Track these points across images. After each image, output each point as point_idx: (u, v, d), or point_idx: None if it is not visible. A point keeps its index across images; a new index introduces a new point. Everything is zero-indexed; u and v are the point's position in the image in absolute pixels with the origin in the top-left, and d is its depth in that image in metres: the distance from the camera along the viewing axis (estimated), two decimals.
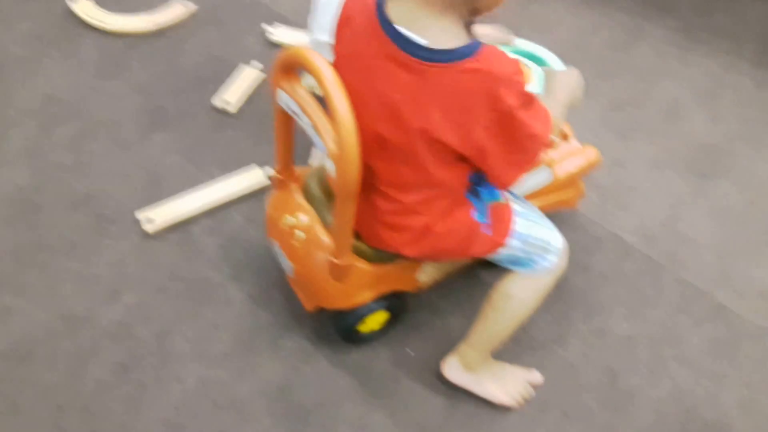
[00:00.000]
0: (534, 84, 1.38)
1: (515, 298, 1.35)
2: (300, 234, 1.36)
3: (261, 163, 1.83)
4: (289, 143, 1.35)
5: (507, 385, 1.45)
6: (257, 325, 1.57)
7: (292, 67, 1.18)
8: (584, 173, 1.58)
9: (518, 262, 1.33)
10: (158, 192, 1.78)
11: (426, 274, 1.47)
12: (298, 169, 1.42)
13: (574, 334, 1.58)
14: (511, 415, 1.44)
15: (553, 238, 1.34)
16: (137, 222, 1.71)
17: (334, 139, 1.12)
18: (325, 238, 1.33)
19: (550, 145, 1.16)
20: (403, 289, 1.47)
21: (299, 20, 2.11)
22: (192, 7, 2.19)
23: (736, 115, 2.07)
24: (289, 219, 1.38)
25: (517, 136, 1.09)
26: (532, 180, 1.45)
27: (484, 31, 1.35)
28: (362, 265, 1.35)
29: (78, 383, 1.46)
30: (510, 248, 1.30)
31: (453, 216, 1.23)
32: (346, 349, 1.53)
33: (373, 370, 1.51)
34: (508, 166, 1.14)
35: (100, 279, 1.62)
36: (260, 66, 2.06)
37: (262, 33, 2.14)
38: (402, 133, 1.10)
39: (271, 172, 1.77)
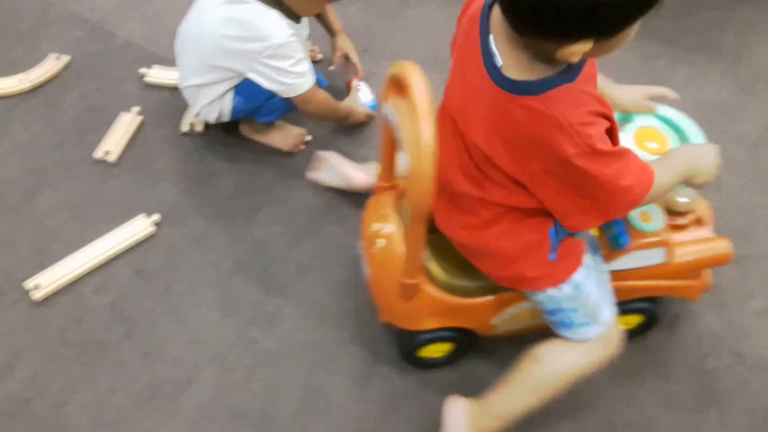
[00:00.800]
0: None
1: (544, 364, 1.21)
2: (381, 243, 1.30)
3: (146, 210, 1.70)
4: (392, 152, 1.29)
5: None
6: (153, 384, 1.46)
7: (398, 80, 1.09)
8: (707, 265, 1.38)
9: (561, 317, 1.20)
10: (45, 256, 1.65)
11: (503, 322, 1.34)
12: (401, 181, 1.35)
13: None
14: None
15: (607, 310, 1.19)
16: (26, 290, 1.56)
17: (412, 161, 1.03)
18: (401, 253, 1.24)
19: (636, 200, 1.04)
20: (473, 329, 1.36)
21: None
22: (65, 59, 2.03)
23: None
24: (375, 225, 1.33)
25: (582, 182, 0.99)
26: (640, 256, 1.29)
27: (624, 91, 1.27)
28: (433, 291, 1.27)
29: None
30: (561, 292, 1.17)
31: (528, 222, 1.12)
32: (244, 405, 1.43)
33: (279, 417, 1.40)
34: (575, 208, 1.03)
35: None
36: (138, 110, 1.90)
37: (140, 77, 1.99)
38: (466, 134, 1.04)
39: (157, 218, 1.66)
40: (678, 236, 1.32)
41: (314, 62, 2.04)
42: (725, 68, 2.03)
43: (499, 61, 0.96)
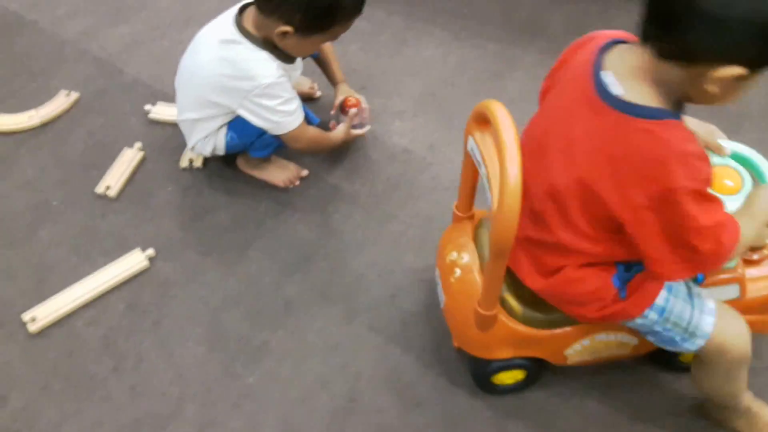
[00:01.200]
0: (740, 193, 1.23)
1: (696, 380, 1.27)
2: (458, 272, 1.32)
3: (142, 245, 1.70)
4: (472, 184, 1.32)
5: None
6: (137, 418, 1.45)
7: (483, 117, 1.13)
8: None
9: (660, 338, 1.18)
10: (44, 288, 1.66)
11: (575, 353, 1.33)
12: (478, 211, 1.39)
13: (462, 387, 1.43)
14: None
15: (703, 322, 1.15)
16: (23, 322, 1.57)
17: (497, 197, 1.04)
18: (479, 283, 1.27)
19: (725, 256, 1.03)
20: (546, 359, 1.35)
21: None
22: (74, 96, 2.05)
23: None
24: (453, 254, 1.34)
25: (681, 225, 0.98)
26: (714, 292, 1.25)
27: (696, 123, 1.25)
28: (508, 322, 1.27)
29: None
30: (646, 319, 1.15)
31: (591, 270, 1.12)
32: None
33: None
34: (670, 255, 1.01)
35: None
36: (140, 145, 1.91)
37: (145, 113, 2.00)
38: (567, 176, 1.04)
39: (151, 252, 1.66)
40: (751, 271, 1.28)
41: (313, 99, 2.04)
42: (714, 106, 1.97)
43: (620, 90, 0.97)
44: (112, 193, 1.83)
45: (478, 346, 1.35)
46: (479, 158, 1.16)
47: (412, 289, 1.62)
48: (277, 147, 1.74)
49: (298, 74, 1.72)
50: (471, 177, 1.30)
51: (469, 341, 1.36)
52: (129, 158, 1.90)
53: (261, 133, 1.66)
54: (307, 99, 2.02)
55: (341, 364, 1.50)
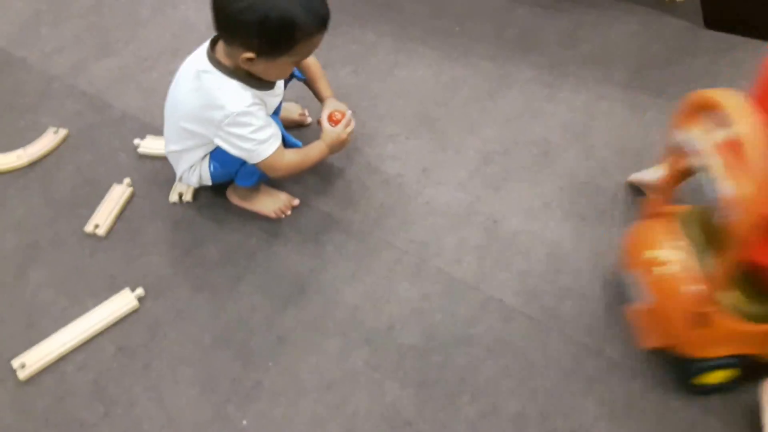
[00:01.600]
0: None
1: None
2: (664, 270, 1.29)
3: (132, 284, 1.65)
4: (675, 179, 1.32)
5: None
6: None
7: (702, 108, 1.13)
8: None
9: None
10: (33, 333, 1.62)
11: None
12: (671, 207, 1.37)
13: (462, 421, 1.40)
14: None
15: None
16: (12, 369, 1.52)
17: (738, 185, 1.03)
18: (692, 280, 1.23)
19: None
20: (762, 355, 1.31)
21: None
22: (62, 132, 2.01)
23: (611, 145, 1.86)
24: (655, 252, 1.32)
25: None
26: None
27: None
28: (727, 318, 1.23)
29: None
30: None
31: None
32: None
33: None
34: None
35: None
36: (129, 181, 1.87)
37: (134, 147, 1.96)
38: None
39: (140, 292, 1.60)
40: None
41: (303, 126, 1.99)
42: None
43: None
44: (101, 231, 1.78)
45: (691, 345, 1.29)
46: (700, 149, 1.12)
47: (409, 320, 1.56)
48: (263, 175, 1.69)
49: (278, 100, 1.67)
50: (675, 172, 1.29)
51: (680, 340, 1.30)
52: (118, 195, 1.86)
53: (243, 161, 1.62)
54: (298, 126, 1.98)
55: (337, 403, 1.44)
